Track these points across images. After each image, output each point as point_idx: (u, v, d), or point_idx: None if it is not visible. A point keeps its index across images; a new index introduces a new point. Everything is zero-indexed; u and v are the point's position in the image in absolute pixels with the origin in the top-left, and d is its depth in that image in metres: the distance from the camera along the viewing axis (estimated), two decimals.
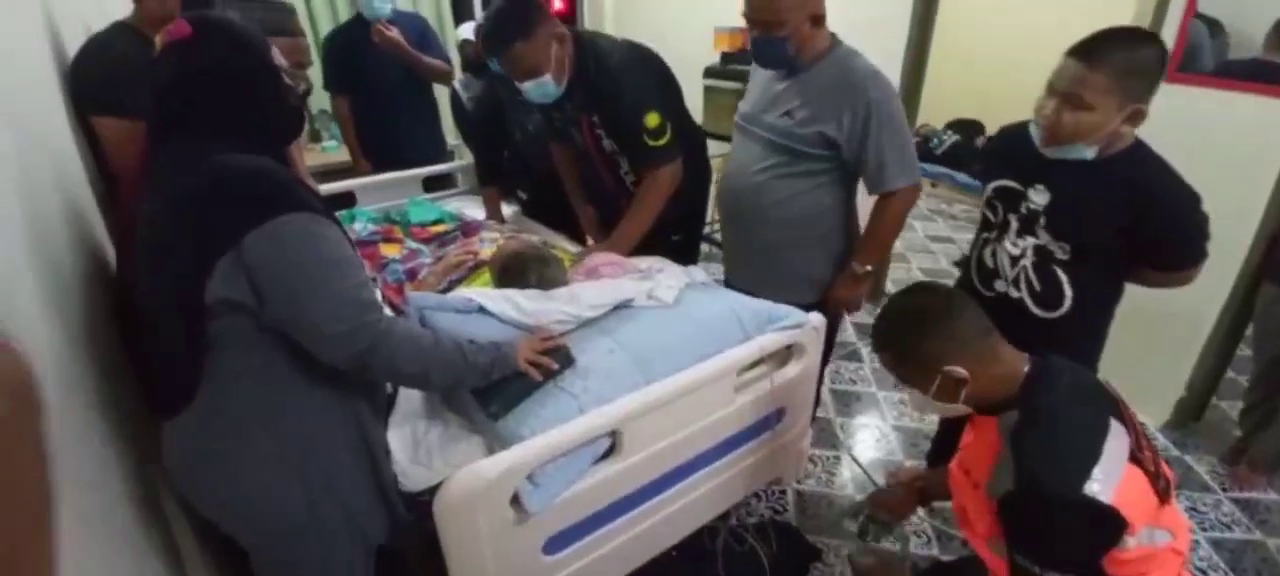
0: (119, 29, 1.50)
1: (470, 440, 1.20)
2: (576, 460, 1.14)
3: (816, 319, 1.50)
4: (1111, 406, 1.01)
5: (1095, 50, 1.16)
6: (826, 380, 2.58)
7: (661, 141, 1.70)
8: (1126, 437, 0.97)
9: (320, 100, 3.14)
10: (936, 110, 4.48)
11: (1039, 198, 1.33)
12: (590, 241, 2.09)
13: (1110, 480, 0.91)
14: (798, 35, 1.46)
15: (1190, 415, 2.32)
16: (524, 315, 1.33)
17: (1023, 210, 1.36)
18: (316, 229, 0.94)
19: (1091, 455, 0.93)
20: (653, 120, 1.67)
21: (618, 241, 1.80)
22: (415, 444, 1.20)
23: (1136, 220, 1.23)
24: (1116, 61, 1.15)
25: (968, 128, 4.29)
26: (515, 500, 1.08)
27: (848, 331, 2.94)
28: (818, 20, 1.48)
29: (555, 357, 1.21)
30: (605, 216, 2.05)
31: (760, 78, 1.66)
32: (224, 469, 0.98)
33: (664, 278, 1.53)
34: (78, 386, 1.00)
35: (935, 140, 4.30)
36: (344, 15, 3.31)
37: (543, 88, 1.65)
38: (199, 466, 0.99)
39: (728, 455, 1.43)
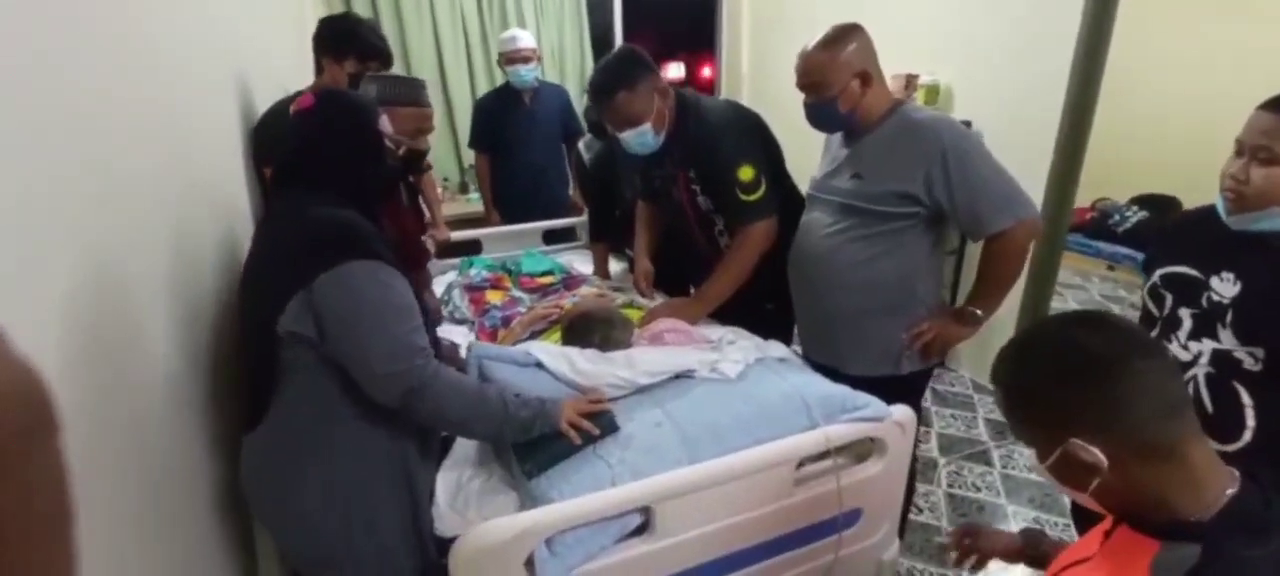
0: (297, 96, 1.78)
1: (507, 495, 1.20)
2: (600, 533, 1.10)
3: (901, 413, 1.33)
4: None
5: None
6: (943, 479, 2.27)
7: (755, 196, 1.67)
8: None
9: (469, 156, 3.49)
10: (1120, 183, 3.92)
11: (1225, 288, 1.07)
12: (643, 293, 2.05)
13: None
14: (848, 97, 1.42)
15: None
16: (578, 375, 1.33)
17: (1202, 304, 1.10)
18: (380, 276, 1.04)
19: None
20: (746, 173, 1.66)
21: (703, 298, 1.76)
22: (458, 490, 1.23)
23: None
24: None
25: (1159, 204, 3.69)
26: (530, 564, 1.06)
27: (978, 427, 2.58)
28: (866, 79, 1.43)
29: (598, 422, 1.19)
30: (697, 280, 2.02)
31: (829, 145, 1.61)
32: (278, 488, 1.08)
33: (733, 350, 1.46)
34: (189, 399, 1.17)
35: (1117, 216, 3.75)
36: (483, 85, 3.66)
37: (642, 137, 1.69)
38: (261, 482, 1.10)
39: (782, 554, 1.29)
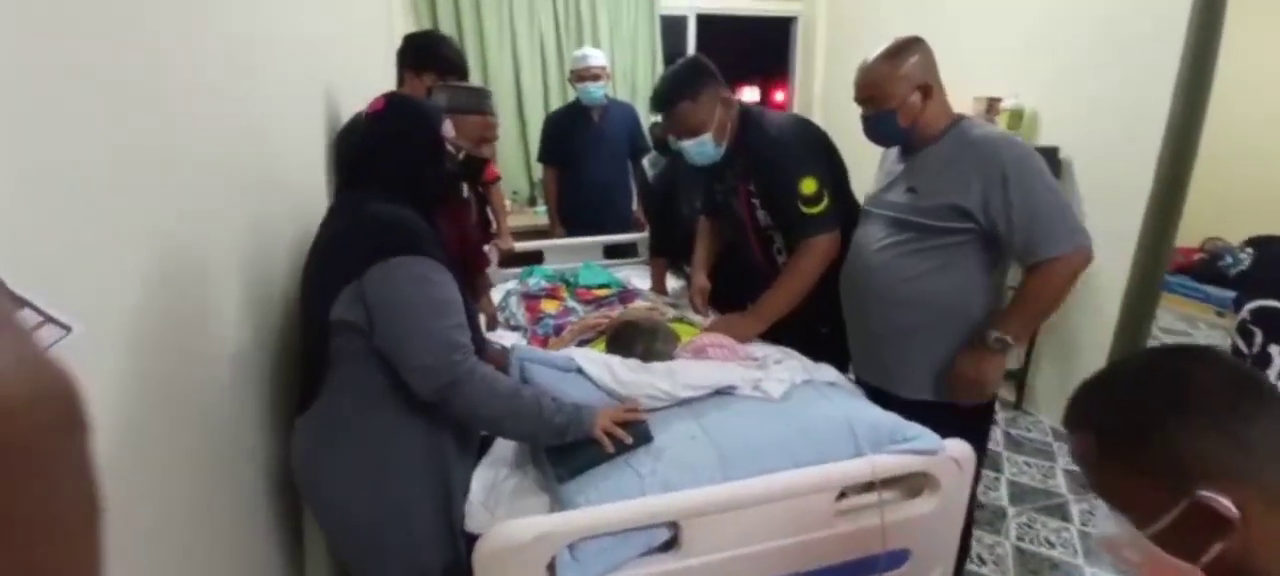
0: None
1: (539, 497, 1.20)
2: (625, 543, 1.08)
3: (957, 448, 1.25)
4: None
5: None
6: (1012, 531, 2.10)
7: (817, 209, 1.63)
8: None
9: (538, 171, 3.58)
10: (1234, 221, 3.55)
11: None
12: (696, 308, 2.02)
13: None
14: (907, 110, 1.38)
15: None
16: (618, 384, 1.32)
17: None
18: (428, 272, 1.07)
19: None
20: (809, 186, 1.62)
21: (758, 313, 1.72)
22: (492, 488, 1.24)
23: None
24: None
25: (1276, 246, 3.31)
26: (552, 568, 1.05)
27: (1056, 478, 2.38)
28: (927, 92, 1.37)
29: (632, 431, 1.18)
30: (753, 299, 1.98)
31: (885, 160, 1.56)
32: (320, 470, 1.12)
33: (779, 369, 1.41)
34: (253, 379, 1.24)
35: (1228, 258, 3.39)
36: (557, 103, 3.75)
37: (702, 147, 1.69)
38: (307, 463, 1.15)
39: None
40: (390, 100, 1.23)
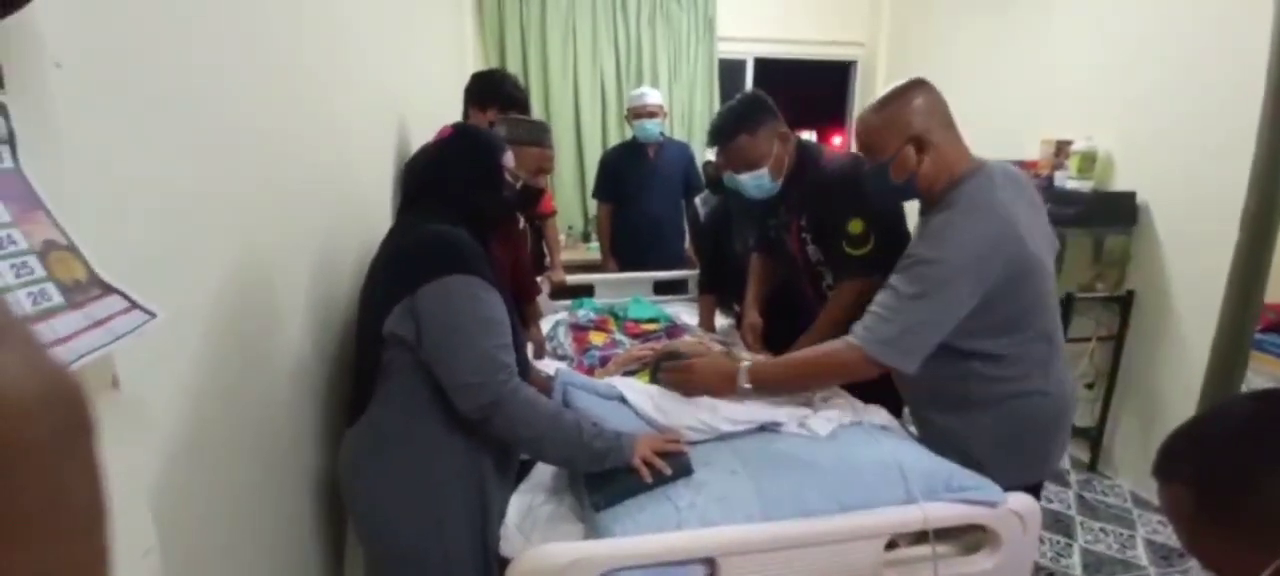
0: None
1: (573, 525, 1.19)
2: None
3: (1021, 502, 1.17)
4: None
5: None
6: None
7: (860, 251, 1.59)
8: None
9: (593, 207, 3.65)
10: None
11: None
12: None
13: None
14: (901, 164, 1.28)
15: None
16: (660, 413, 1.31)
17: None
18: (478, 292, 1.11)
19: None
20: (856, 226, 1.59)
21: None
22: (527, 512, 1.23)
23: None
24: None
25: None
26: None
27: (1136, 549, 2.18)
28: (920, 145, 1.27)
29: (672, 463, 1.16)
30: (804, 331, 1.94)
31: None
32: (363, 480, 1.15)
33: (826, 408, 1.36)
34: (312, 388, 1.29)
35: None
36: (615, 141, 3.83)
37: (759, 180, 1.69)
38: (353, 472, 1.18)
39: None
40: (458, 129, 1.33)
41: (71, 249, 0.44)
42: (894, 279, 1.23)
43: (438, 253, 1.12)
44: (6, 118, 0.46)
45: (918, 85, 1.31)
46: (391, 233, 1.27)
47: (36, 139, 0.48)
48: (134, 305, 0.49)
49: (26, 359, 0.24)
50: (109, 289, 0.47)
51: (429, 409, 1.13)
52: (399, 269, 1.14)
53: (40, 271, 0.40)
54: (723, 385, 1.35)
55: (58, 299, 0.41)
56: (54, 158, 0.49)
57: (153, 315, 0.50)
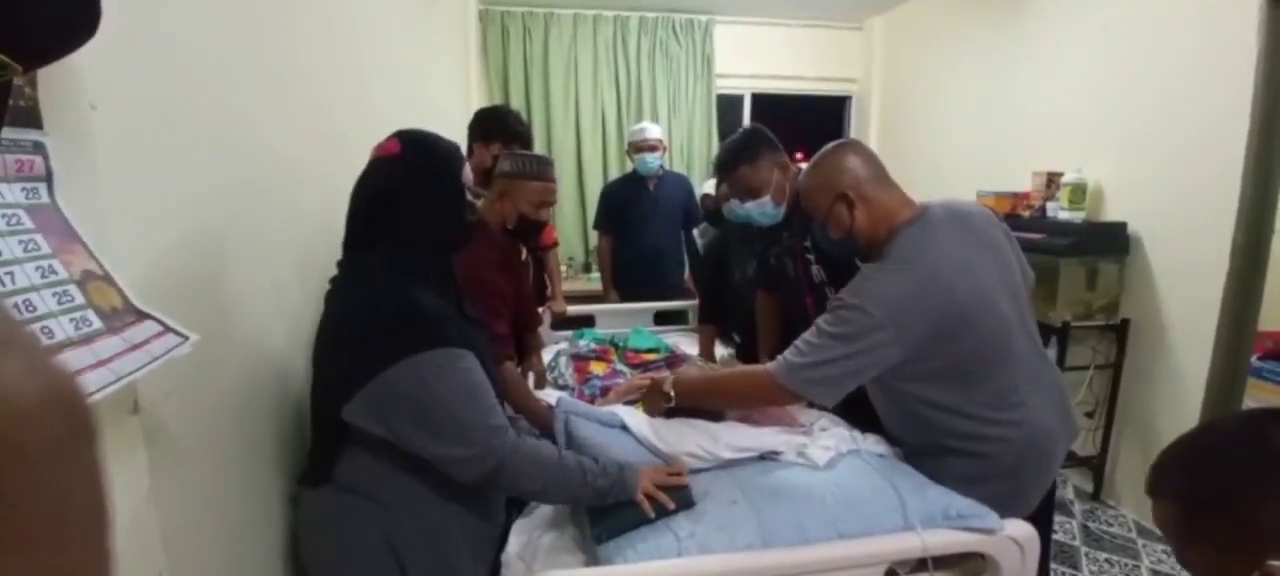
0: None
1: (574, 555, 1.19)
2: None
3: (1019, 529, 1.17)
4: None
5: None
6: None
7: None
8: None
9: (594, 239, 3.69)
10: None
11: None
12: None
13: None
14: (835, 221, 1.33)
15: None
16: (661, 442, 1.32)
17: None
18: (451, 362, 1.02)
19: None
20: None
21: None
22: (528, 543, 1.24)
23: None
24: None
25: None
26: None
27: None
28: (848, 202, 1.30)
29: (674, 496, 1.16)
30: None
31: None
32: (330, 550, 1.08)
33: (824, 436, 1.37)
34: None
35: None
36: (615, 175, 3.90)
37: (763, 208, 1.76)
38: (313, 536, 1.12)
39: None
40: (406, 142, 1.11)
41: (107, 278, 0.47)
42: (820, 318, 1.25)
43: (397, 330, 1.00)
44: (46, 156, 0.49)
45: (846, 146, 1.38)
46: (340, 290, 1.10)
47: (73, 175, 0.51)
48: (168, 329, 0.52)
49: (29, 364, 0.24)
50: (143, 315, 0.50)
51: (396, 476, 1.05)
52: (356, 347, 1.01)
53: (80, 299, 0.43)
54: (656, 395, 1.43)
55: (98, 324, 0.43)
56: (89, 192, 0.53)
57: (186, 338, 0.53)
